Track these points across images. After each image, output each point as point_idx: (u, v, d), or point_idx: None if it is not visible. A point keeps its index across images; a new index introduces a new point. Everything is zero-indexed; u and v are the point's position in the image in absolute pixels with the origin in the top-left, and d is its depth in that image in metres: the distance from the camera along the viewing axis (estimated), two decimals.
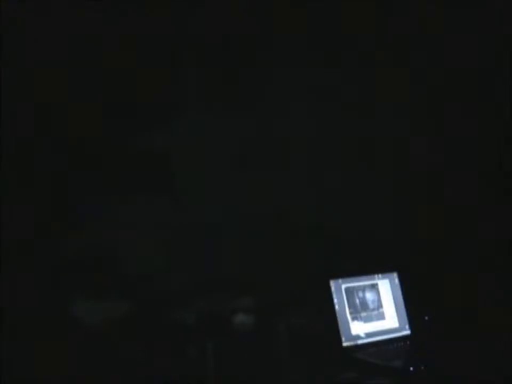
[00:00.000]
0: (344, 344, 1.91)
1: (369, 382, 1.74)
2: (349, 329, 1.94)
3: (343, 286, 1.98)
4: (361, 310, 1.99)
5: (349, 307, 1.97)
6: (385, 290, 2.06)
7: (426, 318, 2.07)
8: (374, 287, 2.05)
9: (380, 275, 2.07)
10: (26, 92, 1.84)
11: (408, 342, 2.01)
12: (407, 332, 2.04)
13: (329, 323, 1.92)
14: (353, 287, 2.00)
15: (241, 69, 2.09)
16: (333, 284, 1.97)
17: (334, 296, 1.96)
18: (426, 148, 2.23)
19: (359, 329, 1.96)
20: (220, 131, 2.07)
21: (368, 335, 1.97)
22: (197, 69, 2.06)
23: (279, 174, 2.12)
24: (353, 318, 1.96)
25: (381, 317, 2.02)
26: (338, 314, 1.94)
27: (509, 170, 2.14)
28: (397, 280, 2.09)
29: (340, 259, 2.10)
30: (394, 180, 2.20)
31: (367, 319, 1.99)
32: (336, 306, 1.95)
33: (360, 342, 1.94)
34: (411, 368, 1.73)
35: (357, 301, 1.99)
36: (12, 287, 1.75)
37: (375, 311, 2.02)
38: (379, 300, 2.04)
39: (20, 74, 1.82)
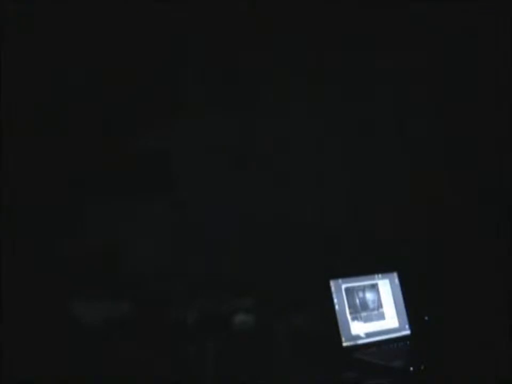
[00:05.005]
0: (344, 344, 1.91)
1: (369, 382, 1.74)
2: (349, 329, 1.94)
3: (343, 286, 1.98)
4: (361, 310, 1.99)
5: (349, 307, 1.97)
6: (385, 290, 2.06)
7: (426, 318, 2.07)
8: (374, 287, 2.05)
9: (379, 275, 2.07)
10: (26, 92, 1.84)
11: (408, 342, 2.01)
12: (407, 332, 2.04)
13: (329, 323, 1.92)
14: (353, 287, 2.00)
15: (241, 69, 2.09)
16: (333, 284, 1.97)
17: (334, 296, 1.96)
18: (426, 148, 2.23)
19: (359, 329, 1.96)
20: (219, 131, 2.07)
21: (368, 335, 1.97)
22: (197, 69, 2.06)
23: (279, 174, 2.12)
24: (353, 318, 1.96)
25: (381, 317, 2.02)
26: (338, 314, 1.94)
27: (509, 170, 2.14)
28: (397, 280, 2.09)
29: (340, 259, 2.10)
30: (395, 180, 2.20)
31: (367, 319, 1.99)
32: (336, 306, 1.95)
33: (360, 342, 1.94)
34: (411, 368, 1.73)
35: (357, 301, 1.99)
36: (12, 287, 1.75)
37: (375, 311, 2.02)
38: (379, 300, 2.04)
39: (20, 74, 1.82)
